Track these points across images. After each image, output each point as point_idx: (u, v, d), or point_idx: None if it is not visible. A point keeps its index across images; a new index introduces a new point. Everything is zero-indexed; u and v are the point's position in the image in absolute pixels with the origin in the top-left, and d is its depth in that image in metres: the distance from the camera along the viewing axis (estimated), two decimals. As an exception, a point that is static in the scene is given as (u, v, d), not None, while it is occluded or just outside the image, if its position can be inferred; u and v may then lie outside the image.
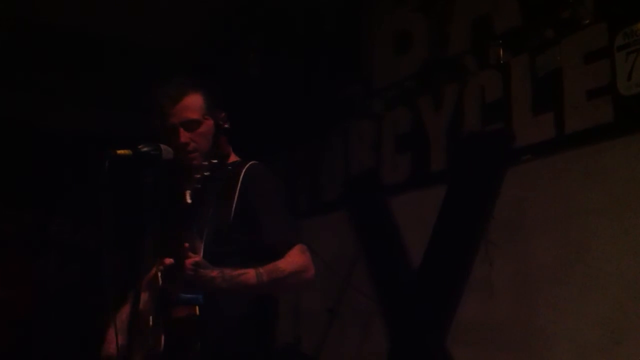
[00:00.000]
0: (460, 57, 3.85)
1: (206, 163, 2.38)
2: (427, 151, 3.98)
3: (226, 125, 2.64)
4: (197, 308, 2.33)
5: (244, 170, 2.59)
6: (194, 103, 2.60)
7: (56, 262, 6.08)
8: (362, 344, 4.30)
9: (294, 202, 5.00)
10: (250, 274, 2.36)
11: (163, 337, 2.35)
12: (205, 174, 2.34)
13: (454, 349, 3.67)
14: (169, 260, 2.28)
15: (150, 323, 2.42)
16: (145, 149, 2.44)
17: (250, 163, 2.64)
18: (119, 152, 2.39)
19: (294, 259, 2.44)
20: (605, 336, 2.95)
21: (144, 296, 2.43)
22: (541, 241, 3.30)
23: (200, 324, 2.31)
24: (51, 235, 6.14)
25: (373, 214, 4.36)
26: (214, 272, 2.31)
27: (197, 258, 2.30)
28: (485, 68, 3.70)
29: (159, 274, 2.36)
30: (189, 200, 2.29)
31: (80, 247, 6.06)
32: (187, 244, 2.25)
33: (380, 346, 4.13)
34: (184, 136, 2.57)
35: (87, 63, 5.54)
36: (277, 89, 5.21)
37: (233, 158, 2.71)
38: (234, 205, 2.52)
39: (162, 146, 2.48)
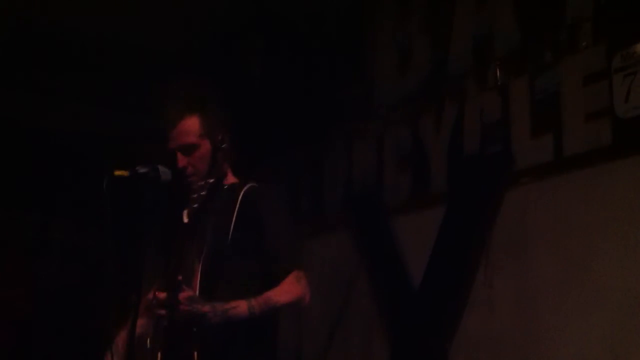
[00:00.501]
0: (460, 77, 3.84)
1: (202, 183, 2.38)
2: (427, 171, 3.98)
3: (224, 146, 2.65)
4: None
5: (242, 193, 2.60)
6: (190, 127, 2.61)
7: (56, 262, 6.09)
8: (364, 359, 4.30)
9: (296, 214, 5.00)
10: (242, 308, 2.36)
11: (160, 355, 2.36)
12: (202, 193, 2.35)
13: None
14: (162, 295, 2.28)
15: (148, 345, 2.45)
16: (142, 170, 2.45)
17: (249, 185, 2.64)
18: (116, 173, 2.40)
19: (289, 289, 2.44)
20: (607, 353, 2.96)
21: (142, 320, 2.45)
22: (541, 261, 3.30)
23: (198, 334, 2.33)
24: (51, 236, 6.14)
25: (374, 234, 4.34)
26: (206, 307, 2.31)
27: (191, 293, 2.30)
28: (484, 89, 3.70)
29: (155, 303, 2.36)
30: (186, 220, 2.30)
31: (80, 247, 6.07)
32: (180, 277, 2.25)
33: (383, 363, 4.14)
34: (182, 160, 2.58)
35: (87, 63, 5.53)
36: (279, 101, 5.21)
37: (231, 179, 2.71)
38: (232, 227, 2.52)
39: (160, 167, 2.49)
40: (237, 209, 2.54)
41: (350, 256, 4.47)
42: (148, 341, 2.46)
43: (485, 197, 3.61)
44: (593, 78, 3.13)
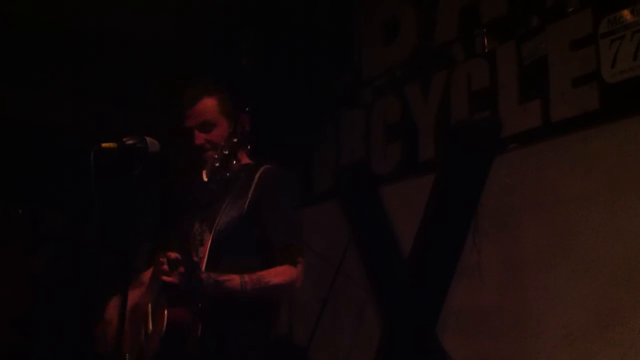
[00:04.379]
0: (448, 45, 3.86)
1: (216, 156, 2.37)
2: (415, 140, 4.00)
3: (245, 128, 2.65)
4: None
5: (258, 173, 2.61)
6: (209, 106, 2.63)
7: (49, 257, 6.07)
8: (354, 332, 4.32)
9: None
10: (234, 282, 2.37)
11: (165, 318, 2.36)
12: (225, 152, 2.34)
13: (444, 336, 3.69)
14: (173, 255, 2.29)
15: (149, 310, 2.45)
16: (130, 142, 2.44)
17: (265, 167, 2.65)
18: (104, 145, 2.39)
19: (283, 271, 2.45)
20: (594, 321, 2.98)
21: (143, 288, 2.46)
22: (529, 228, 3.32)
23: (198, 319, 2.33)
24: (44, 230, 6.12)
25: (364, 204, 4.38)
26: (203, 274, 2.32)
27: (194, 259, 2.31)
28: (472, 56, 3.72)
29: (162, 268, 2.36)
30: (205, 179, 2.30)
31: (73, 241, 6.06)
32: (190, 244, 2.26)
33: (373, 334, 4.15)
34: (199, 138, 2.59)
35: (82, 58, 5.52)
36: (269, 80, 5.21)
37: (246, 160, 2.73)
38: (246, 205, 2.53)
39: (148, 139, 2.48)
40: (252, 188, 2.56)
41: (340, 226, 4.50)
42: (149, 307, 2.47)
43: (473, 163, 3.63)
44: (580, 43, 3.15)
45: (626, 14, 2.97)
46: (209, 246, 2.44)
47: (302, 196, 4.78)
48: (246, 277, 2.39)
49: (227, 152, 2.33)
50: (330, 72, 4.82)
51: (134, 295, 2.54)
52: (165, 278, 2.32)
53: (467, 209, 3.60)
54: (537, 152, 3.32)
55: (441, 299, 3.71)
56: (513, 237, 3.39)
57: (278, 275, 2.44)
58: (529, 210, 3.34)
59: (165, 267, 2.31)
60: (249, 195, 2.53)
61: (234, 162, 2.37)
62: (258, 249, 2.51)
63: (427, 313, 3.78)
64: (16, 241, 5.90)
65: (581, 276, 3.06)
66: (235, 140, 2.34)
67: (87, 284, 5.36)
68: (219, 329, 2.42)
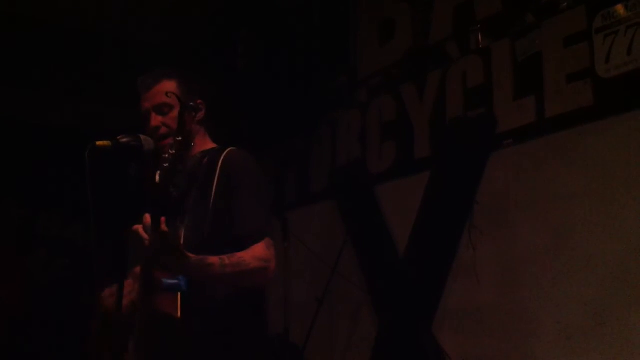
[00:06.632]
0: (443, 43, 3.86)
1: (171, 141, 2.34)
2: (411, 139, 4.00)
3: (201, 113, 2.64)
4: (178, 304, 2.33)
5: (222, 158, 2.58)
6: (166, 88, 2.60)
7: (45, 257, 6.08)
8: (351, 331, 4.32)
9: (282, 192, 5.01)
10: (215, 264, 2.35)
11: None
12: (171, 151, 2.31)
13: (440, 334, 3.69)
14: (147, 219, 2.27)
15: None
16: (124, 140, 2.43)
17: (229, 150, 2.63)
18: (98, 143, 2.38)
19: (260, 255, 2.43)
20: (590, 318, 2.97)
21: (135, 285, 2.45)
22: (524, 225, 3.31)
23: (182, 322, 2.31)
24: (39, 231, 6.13)
25: (359, 203, 4.38)
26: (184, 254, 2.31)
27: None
28: (467, 54, 3.71)
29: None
30: (157, 180, 2.26)
31: (69, 241, 6.07)
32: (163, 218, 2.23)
33: (370, 333, 4.14)
34: (155, 120, 2.55)
35: (82, 58, 5.54)
36: (265, 81, 5.22)
37: (210, 145, 2.71)
38: (213, 193, 2.51)
39: (142, 137, 2.47)
40: (217, 176, 2.54)
41: (337, 225, 4.49)
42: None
43: (468, 161, 3.63)
44: (574, 39, 3.14)
45: (620, 9, 2.96)
46: (182, 243, 2.43)
47: (297, 195, 4.87)
48: (226, 260, 2.35)
49: (173, 152, 2.29)
50: (326, 73, 4.82)
51: (127, 292, 2.54)
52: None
53: (462, 206, 3.59)
54: (532, 149, 3.31)
55: (437, 297, 3.70)
56: (508, 234, 3.38)
57: (256, 258, 2.40)
58: (524, 207, 3.33)
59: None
60: (214, 185, 2.51)
61: (188, 151, 2.36)
62: (231, 243, 2.49)
63: (423, 311, 3.77)
64: (12, 242, 5.91)
65: (577, 273, 3.04)
66: (180, 138, 2.30)
67: (83, 284, 5.37)
68: (213, 324, 2.41)
